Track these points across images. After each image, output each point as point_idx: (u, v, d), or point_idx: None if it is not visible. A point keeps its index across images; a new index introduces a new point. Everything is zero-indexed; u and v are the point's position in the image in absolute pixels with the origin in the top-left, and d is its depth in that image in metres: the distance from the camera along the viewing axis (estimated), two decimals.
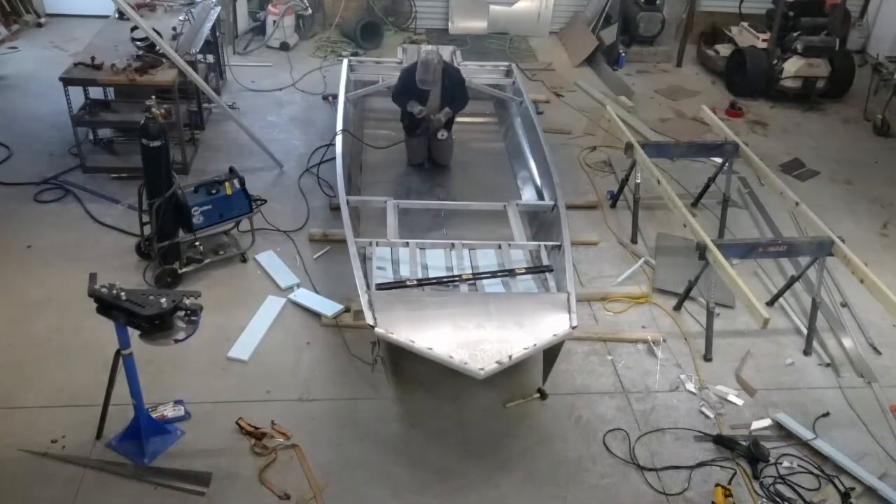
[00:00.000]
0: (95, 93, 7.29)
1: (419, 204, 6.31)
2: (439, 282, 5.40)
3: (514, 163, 7.35)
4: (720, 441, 4.85)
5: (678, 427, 4.98)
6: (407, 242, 5.65)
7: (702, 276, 5.62)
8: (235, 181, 5.88)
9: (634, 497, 4.53)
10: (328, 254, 6.22)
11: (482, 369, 4.36)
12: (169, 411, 4.74)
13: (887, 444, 4.96)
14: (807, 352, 5.65)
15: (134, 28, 6.94)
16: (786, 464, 4.76)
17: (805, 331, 5.73)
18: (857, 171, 8.09)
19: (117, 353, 4.22)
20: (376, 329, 4.56)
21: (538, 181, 6.71)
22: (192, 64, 7.15)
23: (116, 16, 7.75)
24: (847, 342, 5.73)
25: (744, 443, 4.80)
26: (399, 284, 5.24)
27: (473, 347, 4.50)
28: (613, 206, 7.14)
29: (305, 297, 5.73)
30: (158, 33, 6.76)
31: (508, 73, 8.37)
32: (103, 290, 4.01)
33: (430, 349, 4.46)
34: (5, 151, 7.22)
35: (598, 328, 5.73)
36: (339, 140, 6.69)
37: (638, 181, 6.64)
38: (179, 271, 5.76)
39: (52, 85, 7.06)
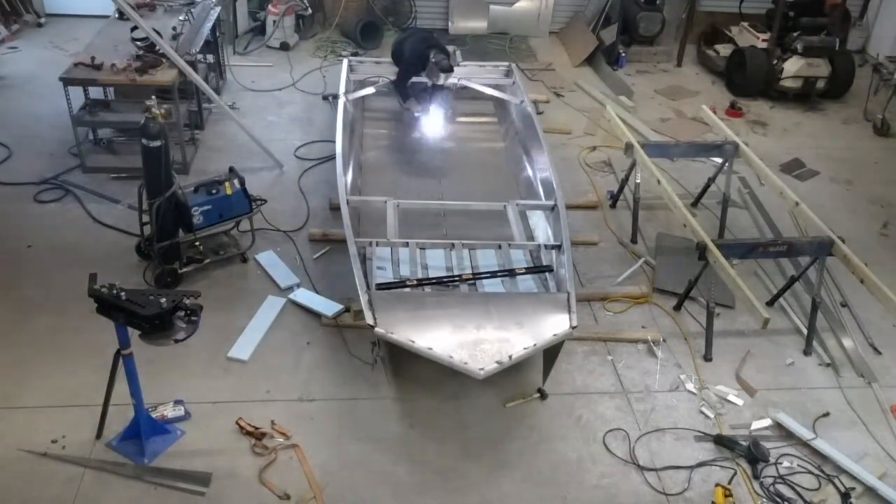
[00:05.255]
0: (95, 93, 7.29)
1: (419, 204, 6.31)
2: (439, 282, 5.40)
3: (514, 163, 7.34)
4: (720, 441, 4.85)
5: (678, 427, 4.98)
6: (407, 242, 5.65)
7: (702, 276, 5.61)
8: (235, 181, 5.87)
9: (634, 497, 4.53)
10: (328, 254, 6.23)
11: (482, 369, 4.36)
12: (169, 411, 4.74)
13: (887, 444, 4.96)
14: (807, 352, 5.65)
15: (134, 28, 6.94)
16: (786, 464, 4.77)
17: (805, 331, 5.73)
18: (857, 171, 8.09)
19: (117, 353, 4.22)
20: (376, 329, 4.56)
21: (538, 181, 6.71)
22: (192, 64, 7.15)
23: (116, 16, 7.74)
24: (847, 342, 5.73)
25: (744, 443, 4.80)
26: (399, 284, 5.24)
27: (473, 347, 4.51)
28: (613, 206, 7.14)
29: (305, 297, 5.73)
30: (158, 33, 6.76)
31: (508, 73, 8.37)
32: (103, 290, 4.01)
33: (430, 349, 4.47)
34: (5, 151, 7.21)
35: (598, 328, 5.73)
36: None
37: (638, 181, 6.64)
38: (179, 271, 5.76)
39: (52, 85, 7.07)
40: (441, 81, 7.31)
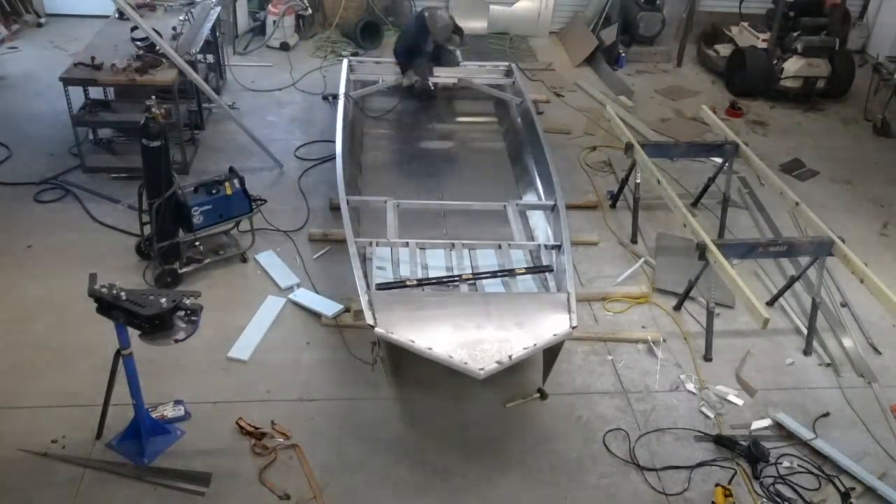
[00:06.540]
0: (95, 93, 7.29)
1: (419, 204, 6.31)
2: (439, 282, 5.40)
3: (514, 163, 7.34)
4: (720, 441, 4.85)
5: (678, 427, 4.98)
6: (407, 242, 5.65)
7: (702, 276, 5.61)
8: (235, 181, 5.87)
9: (634, 497, 4.53)
10: (328, 254, 6.22)
11: (482, 369, 4.36)
12: (169, 411, 4.74)
13: (887, 444, 4.96)
14: (807, 352, 5.65)
15: (134, 28, 6.94)
16: (786, 464, 4.77)
17: (805, 331, 5.73)
18: (857, 171, 8.09)
19: (117, 353, 4.22)
20: (376, 329, 4.56)
21: (538, 181, 6.71)
22: (192, 64, 7.15)
23: (116, 16, 7.75)
24: (847, 342, 5.73)
25: (744, 443, 4.80)
26: (399, 284, 5.24)
27: (473, 347, 4.50)
28: (613, 206, 7.14)
29: (305, 297, 5.73)
30: (158, 33, 6.76)
31: (508, 73, 8.37)
32: (103, 290, 4.01)
33: (430, 349, 4.46)
34: (5, 151, 7.21)
35: (598, 328, 5.73)
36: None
37: (638, 181, 6.64)
38: (179, 271, 5.76)
39: (52, 85, 7.07)
40: (443, 40, 7.62)
